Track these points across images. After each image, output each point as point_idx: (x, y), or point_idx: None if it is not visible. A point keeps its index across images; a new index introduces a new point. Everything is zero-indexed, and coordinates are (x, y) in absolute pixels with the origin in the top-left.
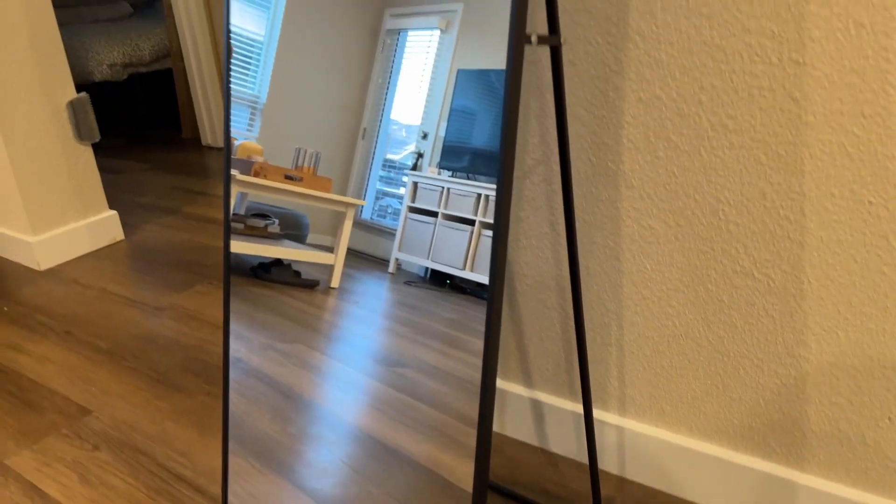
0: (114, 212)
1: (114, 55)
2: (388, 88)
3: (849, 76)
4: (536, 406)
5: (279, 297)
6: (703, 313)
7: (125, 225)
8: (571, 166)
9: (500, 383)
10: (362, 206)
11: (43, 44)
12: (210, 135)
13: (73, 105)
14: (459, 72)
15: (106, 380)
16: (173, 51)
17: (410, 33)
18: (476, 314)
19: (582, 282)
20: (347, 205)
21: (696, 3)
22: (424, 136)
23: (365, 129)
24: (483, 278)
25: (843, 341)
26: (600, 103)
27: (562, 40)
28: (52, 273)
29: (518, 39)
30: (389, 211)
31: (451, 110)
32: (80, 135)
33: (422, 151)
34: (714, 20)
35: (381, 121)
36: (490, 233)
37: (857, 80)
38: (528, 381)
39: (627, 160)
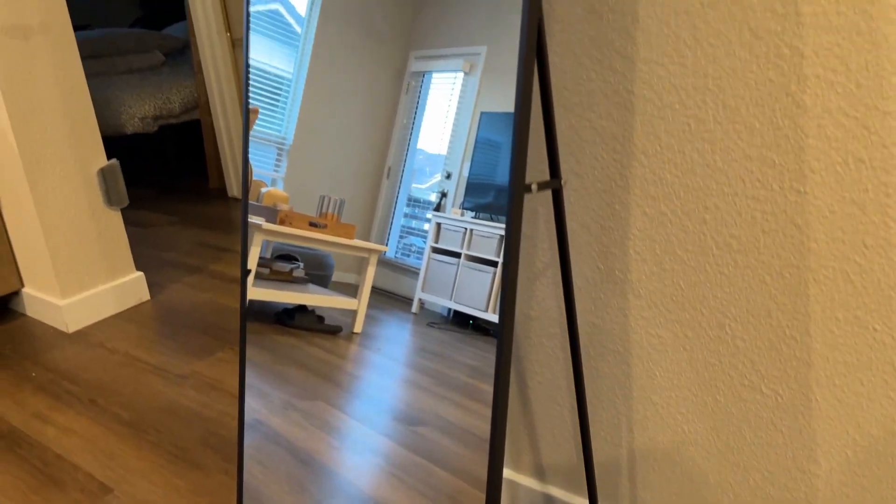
0: (140, 273)
1: (145, 108)
2: (412, 129)
3: (849, 207)
4: (549, 501)
5: (302, 347)
6: (712, 422)
7: (151, 284)
8: (581, 272)
9: (513, 475)
10: (387, 243)
11: (75, 115)
12: (236, 186)
13: (103, 172)
14: (483, 114)
15: (127, 455)
16: (201, 105)
17: (435, 75)
18: None
19: (592, 383)
20: (370, 251)
21: (699, 129)
22: (448, 176)
23: (390, 168)
24: None
25: (853, 461)
26: (607, 215)
27: (563, 182)
28: (79, 336)
29: (518, 189)
30: (413, 249)
31: (475, 151)
32: (110, 200)
33: (445, 191)
34: (716, 145)
35: (405, 160)
36: None
37: (858, 212)
38: (540, 476)
39: (635, 270)
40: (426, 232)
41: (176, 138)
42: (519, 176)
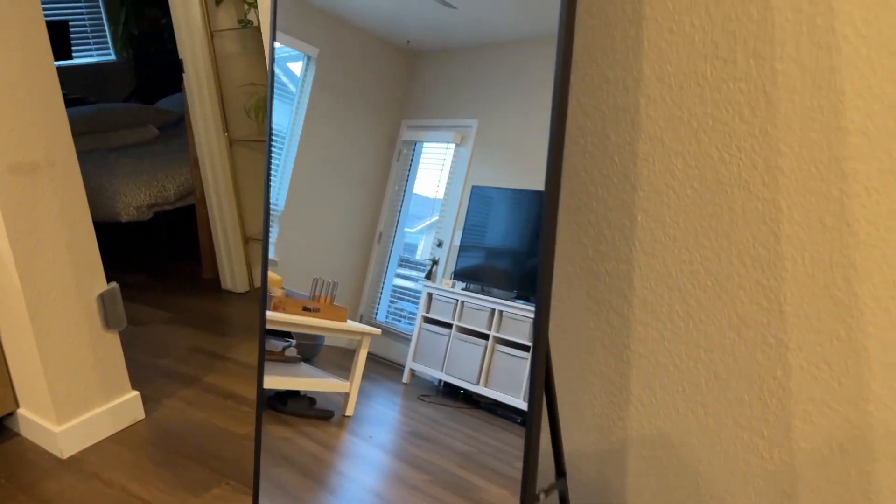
0: (136, 392)
1: (140, 197)
2: (403, 196)
3: (835, 487)
4: None
5: (294, 439)
6: None
7: (145, 399)
8: (581, 498)
9: None
10: (377, 307)
11: (78, 244)
12: (230, 280)
13: (103, 298)
14: (474, 188)
15: None
16: (197, 198)
17: (426, 145)
18: (489, 441)
19: None
20: (363, 333)
21: (692, 392)
22: (440, 244)
23: (381, 234)
24: (497, 395)
25: None
26: (604, 449)
27: (566, 478)
28: (74, 462)
29: (528, 495)
30: (404, 314)
31: (466, 224)
32: (108, 324)
33: (437, 258)
34: (709, 409)
35: (397, 225)
36: (505, 348)
37: (843, 491)
38: None
39: None
40: (418, 294)
41: (169, 223)
42: (530, 486)
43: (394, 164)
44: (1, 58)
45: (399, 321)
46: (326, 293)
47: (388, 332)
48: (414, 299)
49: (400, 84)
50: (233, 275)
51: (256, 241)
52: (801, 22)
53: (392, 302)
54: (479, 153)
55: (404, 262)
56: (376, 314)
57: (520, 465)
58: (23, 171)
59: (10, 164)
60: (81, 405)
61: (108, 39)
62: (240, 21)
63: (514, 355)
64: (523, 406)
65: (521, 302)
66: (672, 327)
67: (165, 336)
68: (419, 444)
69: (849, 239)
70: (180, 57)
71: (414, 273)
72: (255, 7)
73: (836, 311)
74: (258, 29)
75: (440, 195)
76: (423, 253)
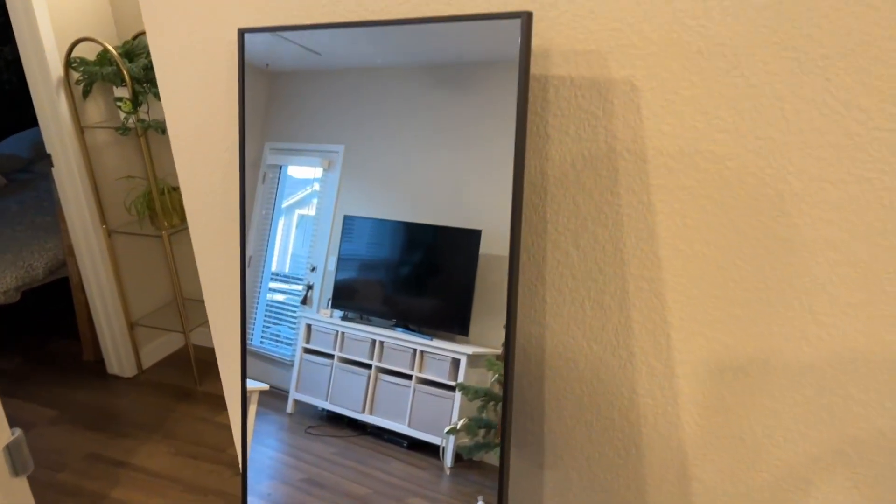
0: None
1: (7, 281)
2: (271, 220)
3: None
4: None
5: None
6: None
7: None
8: None
9: None
10: (252, 332)
11: None
12: (116, 364)
13: (9, 449)
14: (345, 217)
15: None
16: (74, 284)
17: (291, 168)
18: (381, 476)
19: None
20: (251, 391)
21: None
22: (313, 269)
23: (251, 258)
24: (384, 422)
25: None
26: None
27: None
28: None
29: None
30: (280, 338)
31: (340, 250)
32: (17, 472)
33: (311, 283)
34: None
35: (266, 249)
36: (388, 377)
37: None
38: None
39: None
40: (293, 314)
41: (40, 299)
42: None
43: (259, 186)
44: None
45: (276, 346)
46: None
47: (265, 359)
48: (290, 322)
49: (260, 105)
50: (119, 359)
51: (142, 326)
52: (657, 405)
53: (266, 326)
54: (348, 179)
55: (277, 276)
56: (251, 339)
57: (412, 500)
58: None
59: None
60: None
61: None
62: (118, 129)
63: (396, 384)
64: (408, 432)
65: (401, 330)
66: None
67: (57, 441)
68: (317, 493)
69: None
70: (48, 152)
71: (288, 287)
72: (134, 113)
73: None
74: (136, 132)
75: (318, 175)
76: (284, 232)
